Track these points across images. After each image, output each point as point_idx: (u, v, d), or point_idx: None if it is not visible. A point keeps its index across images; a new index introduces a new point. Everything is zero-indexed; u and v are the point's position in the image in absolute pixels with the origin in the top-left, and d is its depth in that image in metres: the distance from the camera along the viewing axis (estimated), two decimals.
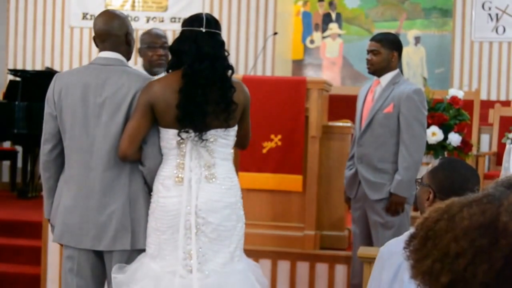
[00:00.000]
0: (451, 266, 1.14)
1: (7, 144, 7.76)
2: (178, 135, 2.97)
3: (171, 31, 8.26)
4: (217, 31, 3.07)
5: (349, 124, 4.96)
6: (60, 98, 3.09)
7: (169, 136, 3.01)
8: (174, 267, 2.96)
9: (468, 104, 6.26)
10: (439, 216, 1.20)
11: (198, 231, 2.96)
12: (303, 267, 4.81)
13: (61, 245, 3.24)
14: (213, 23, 3.07)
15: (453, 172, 2.38)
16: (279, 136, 4.70)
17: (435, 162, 2.46)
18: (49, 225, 3.31)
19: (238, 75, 4.43)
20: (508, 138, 5.42)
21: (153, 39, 4.23)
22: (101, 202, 3.05)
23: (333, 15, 8.42)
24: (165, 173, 3.02)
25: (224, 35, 3.14)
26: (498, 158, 6.65)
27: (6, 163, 7.90)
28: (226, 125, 3.01)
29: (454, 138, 5.11)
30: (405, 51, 7.62)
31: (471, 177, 2.38)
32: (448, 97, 5.27)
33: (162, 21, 8.47)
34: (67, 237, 3.11)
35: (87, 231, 3.07)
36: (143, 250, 3.06)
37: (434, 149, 5.10)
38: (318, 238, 4.81)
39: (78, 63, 8.34)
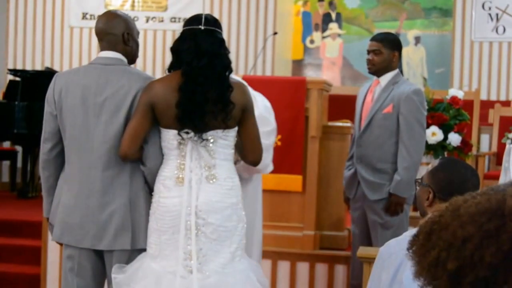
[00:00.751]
0: (458, 253, 1.15)
1: (7, 144, 7.76)
2: (178, 134, 2.98)
3: (171, 31, 8.27)
4: (216, 29, 3.06)
5: (349, 124, 4.96)
6: (61, 97, 3.09)
7: (169, 136, 3.01)
8: (175, 267, 2.96)
9: (468, 104, 6.26)
10: (442, 212, 1.22)
11: (198, 231, 2.96)
12: (303, 267, 4.81)
13: (61, 244, 3.24)
14: (212, 21, 3.06)
15: (453, 172, 2.38)
16: (279, 136, 4.69)
17: (435, 162, 2.47)
18: (48, 224, 3.30)
19: (238, 75, 4.42)
20: (508, 138, 5.41)
21: None
22: (101, 201, 3.05)
23: (333, 15, 8.41)
24: (166, 174, 3.02)
25: (224, 35, 3.12)
26: (498, 158, 6.65)
27: (6, 163, 7.89)
28: (225, 125, 2.99)
29: (454, 138, 5.11)
30: (405, 51, 7.65)
31: (471, 177, 2.38)
32: (448, 97, 5.27)
33: (162, 21, 8.46)
34: (67, 237, 3.11)
35: (88, 230, 3.06)
36: (143, 250, 3.06)
37: (434, 149, 5.10)
38: (318, 238, 4.81)
39: (78, 63, 8.34)
